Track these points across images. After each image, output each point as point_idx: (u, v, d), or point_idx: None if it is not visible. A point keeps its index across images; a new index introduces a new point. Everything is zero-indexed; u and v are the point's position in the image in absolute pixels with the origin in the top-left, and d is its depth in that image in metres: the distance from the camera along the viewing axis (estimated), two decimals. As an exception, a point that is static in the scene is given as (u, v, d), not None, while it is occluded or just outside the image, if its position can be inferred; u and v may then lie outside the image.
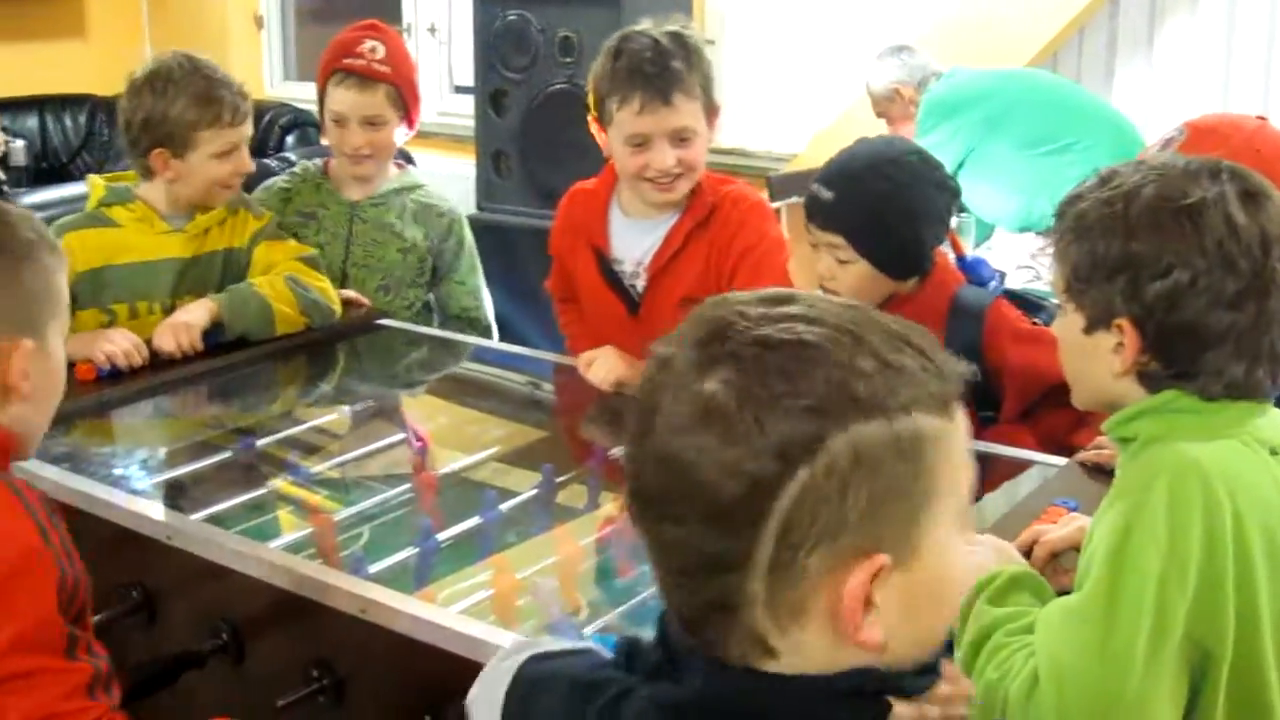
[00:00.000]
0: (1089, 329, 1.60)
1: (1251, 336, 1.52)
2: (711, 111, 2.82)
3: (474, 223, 5.52)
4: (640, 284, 2.88)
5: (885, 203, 2.50)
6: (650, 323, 2.86)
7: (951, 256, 2.67)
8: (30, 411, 1.75)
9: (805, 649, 1.04)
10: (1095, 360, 1.61)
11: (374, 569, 2.06)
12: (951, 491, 1.05)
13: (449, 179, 6.36)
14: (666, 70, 2.71)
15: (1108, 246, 1.55)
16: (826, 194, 2.53)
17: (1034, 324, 2.56)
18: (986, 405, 2.51)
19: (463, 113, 6.25)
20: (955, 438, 1.05)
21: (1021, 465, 2.38)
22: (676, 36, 2.75)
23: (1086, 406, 1.73)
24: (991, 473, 2.43)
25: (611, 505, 2.42)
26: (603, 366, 2.77)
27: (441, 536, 2.22)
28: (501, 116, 5.39)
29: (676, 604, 1.09)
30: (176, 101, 2.84)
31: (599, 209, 2.93)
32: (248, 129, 2.97)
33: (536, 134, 5.25)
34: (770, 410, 1.00)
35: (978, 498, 2.43)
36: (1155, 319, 1.53)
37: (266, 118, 6.89)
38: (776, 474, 0.99)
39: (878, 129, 4.77)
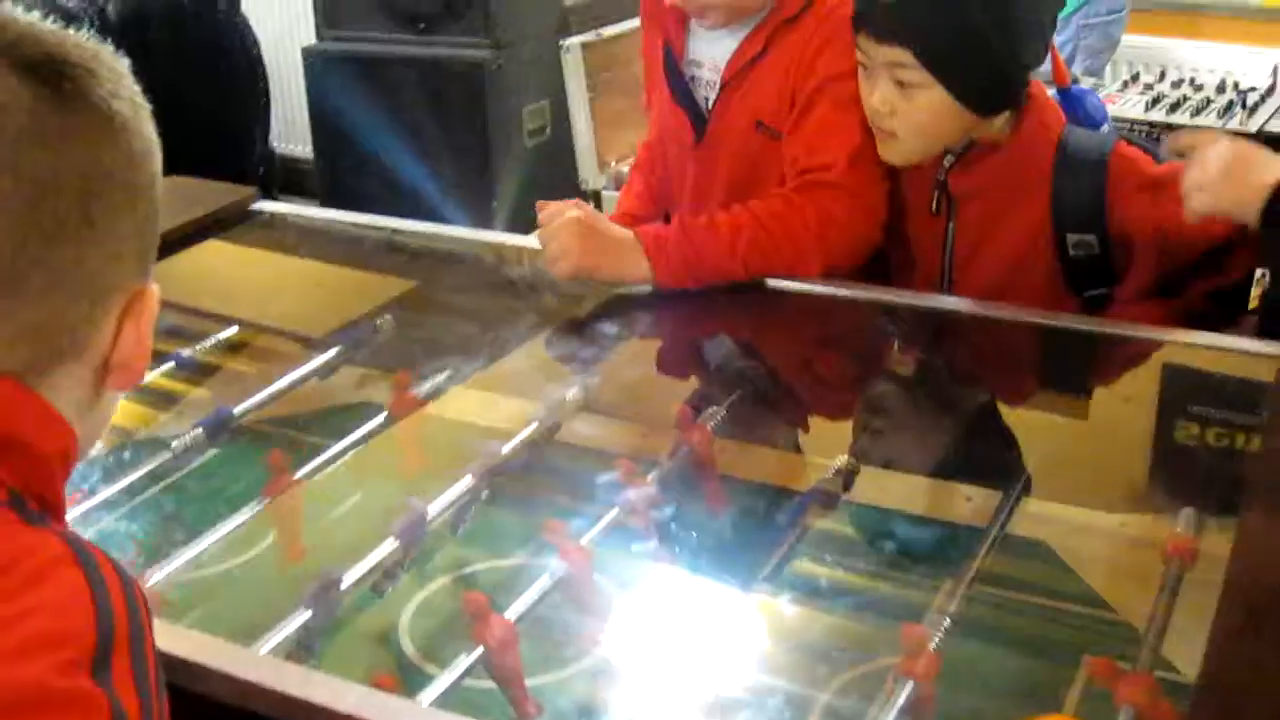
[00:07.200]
0: None
1: None
2: None
3: (315, 55, 4.56)
4: (713, 97, 2.23)
5: (975, 6, 1.87)
6: (715, 153, 2.24)
7: (1052, 89, 2.08)
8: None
9: None
10: None
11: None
12: None
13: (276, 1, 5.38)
14: None
15: None
16: None
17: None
18: (1101, 281, 1.98)
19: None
20: None
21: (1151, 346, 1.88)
22: None
23: None
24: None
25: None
26: (557, 245, 2.07)
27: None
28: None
29: None
30: None
31: None
32: None
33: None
34: None
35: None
36: None
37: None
38: None
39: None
